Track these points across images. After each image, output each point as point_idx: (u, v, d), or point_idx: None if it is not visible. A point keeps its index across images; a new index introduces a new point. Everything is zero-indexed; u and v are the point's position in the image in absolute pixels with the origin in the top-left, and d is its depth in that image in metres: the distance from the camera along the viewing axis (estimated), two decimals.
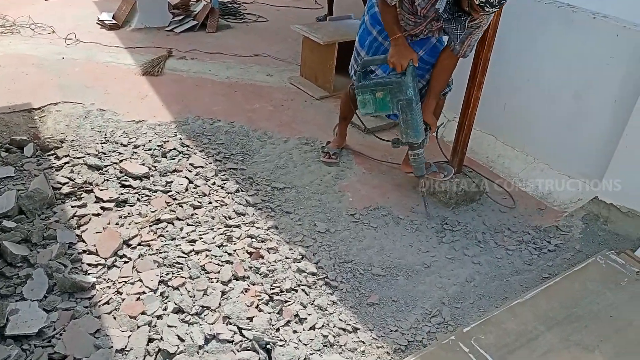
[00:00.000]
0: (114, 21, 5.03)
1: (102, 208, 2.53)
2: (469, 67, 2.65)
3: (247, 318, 2.02)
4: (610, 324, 2.05)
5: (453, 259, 2.48)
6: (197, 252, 2.33)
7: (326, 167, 3.11)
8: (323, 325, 2.04)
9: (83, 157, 2.89)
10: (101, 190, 2.64)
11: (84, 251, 2.27)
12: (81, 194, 2.61)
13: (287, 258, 2.37)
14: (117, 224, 2.45)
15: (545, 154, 3.01)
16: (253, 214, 2.64)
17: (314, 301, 2.16)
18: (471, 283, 2.34)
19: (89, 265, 2.21)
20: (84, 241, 2.32)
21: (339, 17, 4.31)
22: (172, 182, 2.79)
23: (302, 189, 2.90)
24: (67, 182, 2.66)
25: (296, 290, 2.19)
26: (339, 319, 2.09)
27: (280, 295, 2.16)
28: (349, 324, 2.06)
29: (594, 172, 2.76)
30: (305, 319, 2.06)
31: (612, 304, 2.14)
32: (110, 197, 2.59)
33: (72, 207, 2.51)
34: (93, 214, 2.49)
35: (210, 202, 2.68)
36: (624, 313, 2.10)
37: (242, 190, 2.81)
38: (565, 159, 2.91)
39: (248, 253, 2.36)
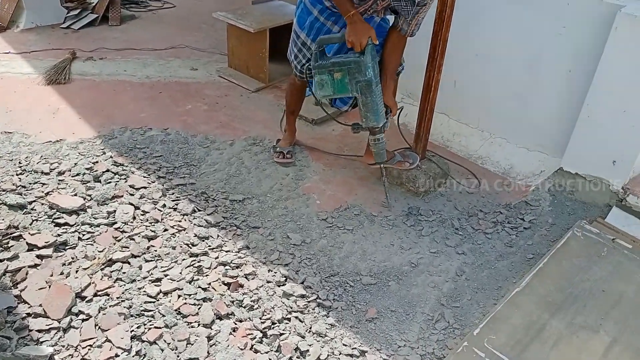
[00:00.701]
0: None
1: (39, 256, 2.13)
2: (426, 50, 2.51)
3: None
4: (605, 299, 2.07)
5: (437, 252, 2.40)
6: (166, 294, 2.04)
7: (283, 169, 2.88)
8: (328, 356, 1.86)
9: None
10: (32, 234, 2.22)
11: (29, 315, 1.89)
12: (8, 243, 2.18)
13: (269, 282, 2.14)
14: (61, 273, 2.08)
15: (502, 128, 2.99)
16: (218, 235, 2.37)
17: (310, 328, 1.97)
18: (462, 277, 2.27)
19: (40, 331, 1.84)
20: (26, 302, 1.93)
21: (263, 0, 4.00)
22: (114, 211, 2.43)
23: (264, 197, 2.66)
24: None
25: (289, 319, 1.99)
26: (343, 344, 1.92)
27: (273, 328, 1.94)
28: (355, 348, 1.90)
29: (553, 143, 2.79)
30: (307, 351, 1.87)
31: (601, 277, 2.16)
32: (45, 242, 2.19)
33: (0, 261, 2.09)
34: (29, 266, 2.08)
35: (165, 230, 2.36)
36: (613, 285, 2.14)
37: (199, 210, 2.51)
38: (522, 131, 2.91)
39: (225, 284, 2.10)
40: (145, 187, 2.61)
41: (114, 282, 2.07)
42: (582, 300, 2.06)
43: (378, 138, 2.49)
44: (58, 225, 2.31)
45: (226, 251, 2.28)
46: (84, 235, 2.28)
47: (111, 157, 2.81)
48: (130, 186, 2.60)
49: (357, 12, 2.25)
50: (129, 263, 2.16)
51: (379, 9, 2.35)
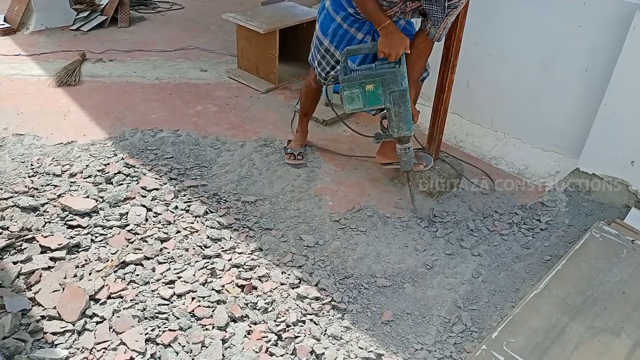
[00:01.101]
0: (7, 25, 4.34)
1: (52, 259, 2.12)
2: (440, 50, 2.49)
3: None
4: (625, 301, 2.03)
5: (452, 254, 2.36)
6: (179, 296, 2.02)
7: (294, 170, 2.86)
8: (344, 359, 1.83)
9: (11, 197, 2.42)
10: (45, 236, 2.22)
11: (44, 317, 1.88)
12: (21, 245, 2.17)
13: (282, 284, 2.12)
14: (75, 276, 2.06)
15: (516, 128, 2.96)
16: (230, 237, 2.35)
17: (326, 331, 1.94)
18: (478, 279, 2.24)
19: (54, 334, 1.83)
20: (40, 305, 1.92)
21: (272, 0, 3.99)
22: (126, 213, 2.41)
23: (276, 198, 2.64)
24: (0, 233, 2.21)
25: (304, 322, 1.96)
26: (359, 347, 1.89)
27: (288, 331, 1.92)
28: (371, 351, 1.87)
29: (569, 143, 2.75)
30: (323, 354, 1.84)
31: (621, 279, 2.12)
32: (59, 244, 2.18)
33: (13, 263, 2.07)
34: (43, 268, 2.08)
35: (178, 231, 2.35)
36: (633, 287, 2.10)
37: (211, 211, 2.49)
38: (536, 132, 2.87)
39: (239, 287, 2.08)
40: (157, 189, 2.60)
41: (128, 285, 2.05)
42: (602, 302, 2.02)
43: (408, 147, 2.43)
44: (71, 227, 2.30)
45: (239, 253, 2.26)
46: (96, 237, 2.27)
47: (122, 158, 2.80)
48: (142, 188, 2.59)
49: (392, 22, 2.19)
50: (142, 265, 2.15)
51: (407, 10, 2.30)
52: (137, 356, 1.77)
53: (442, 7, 2.17)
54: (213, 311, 1.96)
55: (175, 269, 2.14)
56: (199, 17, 5.12)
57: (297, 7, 3.96)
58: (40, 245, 2.17)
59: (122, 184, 2.61)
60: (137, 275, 2.09)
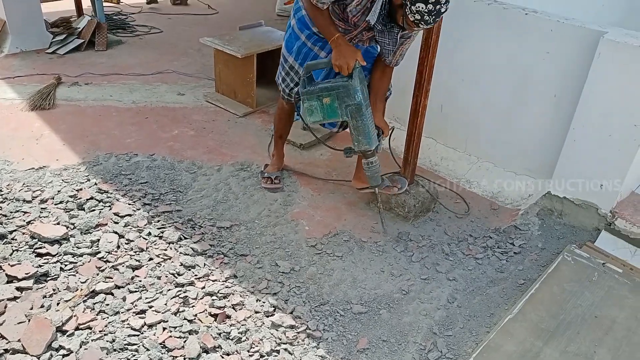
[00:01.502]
0: None
1: (18, 289, 2.06)
2: (413, 75, 2.53)
3: None
4: (597, 325, 2.05)
5: (428, 278, 2.37)
6: (150, 326, 1.97)
7: (271, 194, 2.85)
8: None
9: None
10: (12, 265, 2.15)
11: (7, 351, 1.82)
12: None
13: (257, 312, 2.09)
14: (42, 306, 2.00)
15: (488, 152, 3.00)
16: (204, 264, 2.32)
17: None
18: (454, 304, 2.24)
19: None
20: (4, 338, 1.85)
21: (250, 25, 4.02)
22: (98, 240, 2.36)
23: (251, 223, 2.62)
24: None
25: (278, 352, 1.93)
26: None
27: None
28: None
29: (540, 167, 2.80)
30: None
31: (593, 303, 2.15)
32: (26, 273, 2.11)
33: None
34: (8, 299, 2.01)
35: (151, 259, 2.31)
36: (605, 310, 2.12)
37: (185, 237, 2.46)
38: (509, 156, 2.92)
39: (211, 315, 2.05)
40: (130, 215, 2.56)
41: (97, 315, 2.00)
42: (575, 326, 2.03)
43: (372, 161, 2.45)
44: (39, 255, 2.24)
45: (213, 280, 2.23)
46: (66, 265, 2.21)
47: (95, 184, 2.76)
48: (115, 214, 2.55)
49: (342, 35, 2.26)
50: (112, 294, 2.10)
51: (364, 38, 2.37)
52: None
53: (394, 40, 2.27)
54: (185, 342, 1.92)
55: (146, 298, 2.09)
56: (177, 41, 5.13)
57: (275, 32, 3.99)
58: (6, 275, 2.11)
59: (94, 210, 2.56)
60: (107, 304, 2.04)
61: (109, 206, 2.60)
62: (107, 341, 1.88)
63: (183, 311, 2.04)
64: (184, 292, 2.13)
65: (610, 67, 2.35)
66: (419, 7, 1.97)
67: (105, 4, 5.15)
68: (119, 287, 2.13)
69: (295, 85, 2.58)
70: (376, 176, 2.49)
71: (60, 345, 1.85)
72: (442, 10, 2.01)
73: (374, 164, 2.45)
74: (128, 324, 1.97)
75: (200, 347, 1.89)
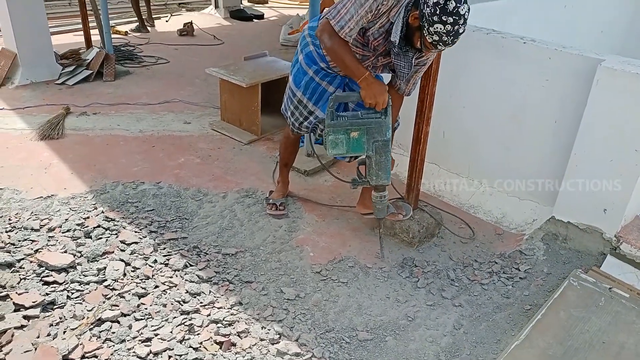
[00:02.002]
0: None
1: (26, 317, 2.07)
2: (415, 103, 2.57)
3: None
4: (605, 351, 2.03)
5: (434, 305, 2.36)
6: (156, 354, 1.97)
7: (276, 221, 2.87)
8: None
9: None
10: (19, 293, 2.17)
11: None
12: None
13: (262, 340, 2.09)
14: (48, 335, 2.01)
15: (491, 177, 3.02)
16: (210, 291, 2.32)
17: None
18: (460, 330, 2.23)
19: None
20: None
21: (255, 56, 4.11)
22: (104, 268, 2.39)
23: (257, 250, 2.63)
24: None
25: None
26: None
27: None
28: None
29: (543, 192, 2.81)
30: None
31: (600, 328, 2.13)
32: (33, 302, 2.13)
33: None
34: (15, 327, 2.02)
35: (156, 286, 2.32)
36: (612, 336, 2.10)
37: (191, 265, 2.47)
38: (512, 180, 2.94)
39: (217, 343, 2.05)
40: (136, 243, 2.58)
41: (103, 343, 2.00)
42: (583, 352, 2.02)
43: (384, 195, 2.45)
44: (47, 283, 2.26)
45: (218, 308, 2.23)
46: (73, 293, 2.23)
47: (102, 212, 2.80)
48: (122, 242, 2.57)
49: (370, 73, 2.25)
50: (118, 322, 2.11)
51: (379, 64, 2.39)
52: None
53: (409, 64, 2.27)
54: None
55: (152, 326, 2.10)
56: (183, 71, 5.24)
57: (279, 62, 4.08)
58: (14, 303, 2.12)
59: (101, 238, 2.59)
60: (113, 332, 2.05)
61: (116, 234, 2.63)
62: None
63: (188, 339, 2.05)
64: (190, 320, 2.14)
65: (609, 94, 2.38)
66: (437, 28, 1.98)
67: (113, 35, 5.28)
68: (125, 315, 2.14)
69: (304, 119, 2.60)
70: (384, 209, 2.50)
71: None
72: (461, 30, 2.01)
73: (385, 198, 2.46)
74: (134, 352, 1.97)
75: None
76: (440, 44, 2.04)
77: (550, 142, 2.73)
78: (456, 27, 1.99)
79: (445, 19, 1.97)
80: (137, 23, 6.60)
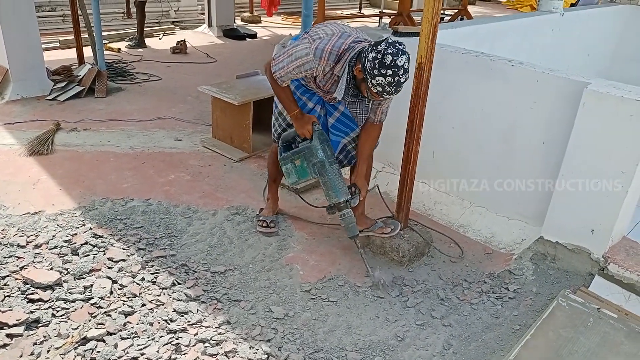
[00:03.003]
0: None
1: (9, 335, 2.04)
2: (405, 123, 2.60)
3: None
4: None
5: (423, 324, 2.35)
6: None
7: (265, 238, 2.86)
8: None
9: None
10: (3, 311, 2.14)
11: None
12: None
13: None
14: (32, 354, 1.98)
15: (481, 197, 3.04)
16: (197, 310, 2.30)
17: None
18: (449, 350, 2.22)
19: None
20: None
21: (247, 74, 4.14)
22: (91, 286, 2.36)
23: (246, 268, 2.62)
24: None
25: None
26: None
27: None
28: None
29: (532, 212, 2.83)
30: None
31: (589, 349, 2.13)
32: (17, 320, 2.10)
33: None
34: None
35: (143, 305, 2.29)
36: (601, 357, 2.10)
37: (179, 283, 2.45)
38: (500, 200, 2.96)
39: None
40: (124, 260, 2.56)
41: None
42: None
43: (344, 213, 2.56)
44: (31, 301, 2.23)
45: (206, 327, 2.20)
46: (58, 311, 2.20)
47: (90, 228, 2.77)
48: (109, 259, 2.55)
49: (300, 110, 2.50)
50: (104, 341, 2.07)
51: (328, 98, 2.52)
52: None
53: (364, 108, 2.50)
54: None
55: (138, 345, 2.07)
56: (175, 88, 5.26)
57: None
58: None
59: (88, 255, 2.56)
60: (98, 352, 2.02)
61: (104, 251, 2.61)
62: None
63: (175, 359, 2.02)
64: (177, 339, 2.11)
65: (595, 117, 2.42)
66: (379, 80, 2.14)
67: (106, 52, 5.30)
68: (110, 334, 2.11)
69: (282, 130, 2.73)
70: (351, 227, 2.58)
71: None
72: (402, 80, 2.15)
73: (347, 216, 2.57)
74: None
75: None
76: (385, 93, 2.20)
77: (539, 163, 2.76)
78: (396, 78, 2.13)
79: (384, 72, 2.11)
80: (136, 39, 6.68)
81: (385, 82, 2.13)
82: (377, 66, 2.11)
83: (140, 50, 6.60)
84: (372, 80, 2.15)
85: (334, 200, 2.53)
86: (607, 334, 2.21)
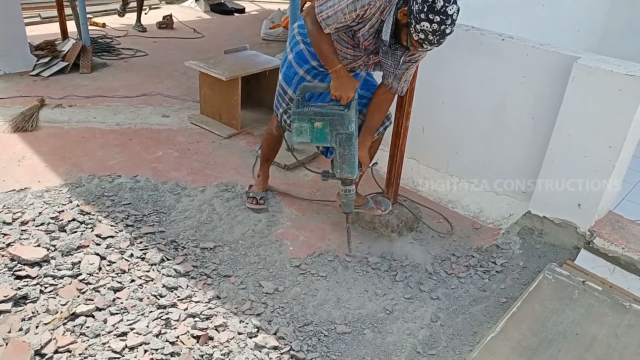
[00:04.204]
0: None
1: None
2: (395, 98, 2.57)
3: None
4: (579, 342, 2.07)
5: (412, 298, 2.38)
6: (131, 349, 1.95)
7: (255, 215, 2.85)
8: None
9: None
10: None
11: None
12: None
13: (240, 334, 2.07)
14: (20, 329, 1.97)
15: (470, 173, 3.06)
16: (187, 285, 2.30)
17: None
18: (437, 323, 2.25)
19: None
20: None
21: (235, 49, 4.08)
22: (79, 262, 2.34)
23: (235, 244, 2.61)
24: None
25: None
26: None
27: None
28: None
29: (520, 187, 2.85)
30: None
31: (574, 320, 2.17)
32: (4, 296, 2.08)
33: None
34: None
35: (132, 280, 2.28)
36: (585, 328, 2.14)
37: (168, 259, 2.45)
38: (489, 176, 2.97)
39: (194, 337, 2.03)
40: (112, 237, 2.54)
41: (77, 338, 1.97)
42: (556, 344, 2.05)
43: (349, 189, 2.47)
44: (19, 278, 2.21)
45: (196, 302, 2.21)
46: (46, 288, 2.18)
47: (77, 205, 2.74)
48: (97, 235, 2.53)
49: (343, 66, 2.25)
50: (93, 317, 2.07)
51: (370, 63, 2.38)
52: None
53: (396, 62, 2.26)
54: None
55: (128, 320, 2.07)
56: (162, 64, 5.16)
57: (260, 56, 4.05)
58: None
59: (75, 232, 2.54)
60: (88, 327, 2.01)
61: (91, 228, 2.58)
62: None
63: (165, 333, 2.02)
64: (166, 314, 2.11)
65: (584, 91, 2.42)
66: (424, 26, 1.97)
67: (90, 27, 5.18)
68: (100, 310, 2.10)
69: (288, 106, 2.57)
70: (350, 203, 2.51)
71: None
72: (447, 31, 2.00)
73: (351, 193, 2.48)
74: (109, 346, 1.94)
75: None
76: (426, 42, 2.03)
77: (528, 138, 2.76)
78: (442, 27, 1.97)
79: (432, 17, 1.95)
80: (139, 23, 6.27)
81: (430, 29, 1.96)
82: (425, 9, 1.94)
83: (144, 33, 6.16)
84: (417, 26, 1.98)
85: (347, 175, 2.38)
86: (591, 306, 2.25)
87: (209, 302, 2.21)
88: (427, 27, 1.97)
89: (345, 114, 2.24)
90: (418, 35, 2.01)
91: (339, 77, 2.24)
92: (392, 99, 2.46)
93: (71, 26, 5.04)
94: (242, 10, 7.92)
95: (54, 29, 5.33)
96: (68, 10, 5.04)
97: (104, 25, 6.25)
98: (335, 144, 2.30)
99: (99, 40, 5.46)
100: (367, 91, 2.48)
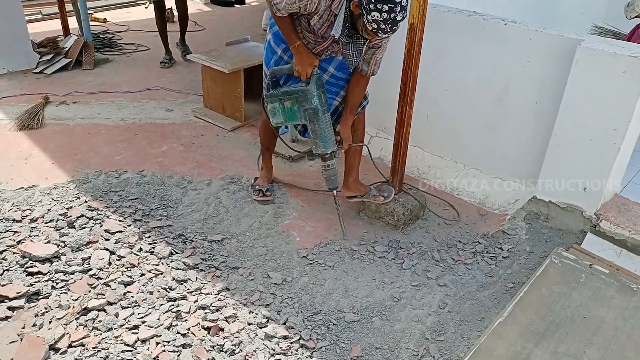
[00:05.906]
0: None
1: (10, 308, 2.06)
2: (398, 86, 2.57)
3: None
4: (586, 325, 2.08)
5: (419, 285, 2.39)
6: (143, 341, 1.98)
7: (261, 207, 2.87)
8: None
9: None
10: (3, 285, 2.15)
11: None
12: None
13: (250, 324, 2.10)
14: (34, 325, 2.00)
15: (475, 159, 3.05)
16: (196, 278, 2.33)
17: None
18: (445, 309, 2.26)
19: None
20: None
21: (236, 41, 4.07)
22: (89, 257, 2.37)
23: (243, 236, 2.63)
24: None
25: None
26: None
27: None
28: None
29: (526, 172, 2.85)
30: None
31: (581, 304, 2.18)
32: (17, 293, 2.11)
33: None
34: (0, 319, 2.01)
35: (142, 274, 2.31)
36: (593, 311, 2.15)
37: (177, 252, 2.47)
38: (494, 162, 2.97)
39: (205, 329, 2.05)
40: (120, 231, 2.57)
41: (90, 332, 2.00)
42: (564, 327, 2.06)
43: (328, 164, 2.56)
44: (30, 274, 2.24)
45: (205, 294, 2.23)
46: (57, 283, 2.21)
47: (85, 201, 2.77)
48: (106, 231, 2.56)
49: (302, 43, 2.34)
50: (105, 311, 2.10)
51: (335, 50, 2.42)
52: None
53: (358, 52, 2.36)
54: (178, 355, 1.92)
55: (139, 314, 2.10)
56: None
57: (261, 47, 4.02)
58: None
59: (84, 228, 2.56)
60: (100, 321, 2.04)
61: (100, 223, 2.61)
62: (101, 357, 1.88)
63: (176, 325, 2.05)
64: (177, 307, 2.14)
65: (588, 74, 2.41)
66: (374, 16, 2.05)
67: (92, 23, 5.17)
68: (111, 304, 2.13)
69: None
70: (333, 179, 2.59)
71: None
72: (398, 18, 2.06)
73: (331, 168, 2.57)
74: (121, 339, 1.97)
75: None
76: (380, 31, 2.10)
77: (532, 123, 2.75)
78: (393, 15, 2.04)
79: (380, 7, 2.02)
80: (184, 46, 5.18)
81: (381, 19, 2.04)
82: (373, 0, 2.03)
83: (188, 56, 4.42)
84: (368, 16, 2.06)
85: (321, 150, 2.49)
86: (598, 289, 2.26)
87: (218, 294, 2.24)
88: (377, 16, 2.04)
89: (307, 89, 2.35)
90: (371, 25, 2.08)
91: (298, 53, 2.34)
92: (367, 80, 2.52)
93: (72, 22, 5.05)
94: (242, 2, 7.88)
95: (55, 25, 5.33)
96: (69, 7, 5.04)
97: (105, 20, 6.24)
98: (305, 120, 2.42)
99: (101, 36, 5.46)
100: (344, 73, 2.51)
